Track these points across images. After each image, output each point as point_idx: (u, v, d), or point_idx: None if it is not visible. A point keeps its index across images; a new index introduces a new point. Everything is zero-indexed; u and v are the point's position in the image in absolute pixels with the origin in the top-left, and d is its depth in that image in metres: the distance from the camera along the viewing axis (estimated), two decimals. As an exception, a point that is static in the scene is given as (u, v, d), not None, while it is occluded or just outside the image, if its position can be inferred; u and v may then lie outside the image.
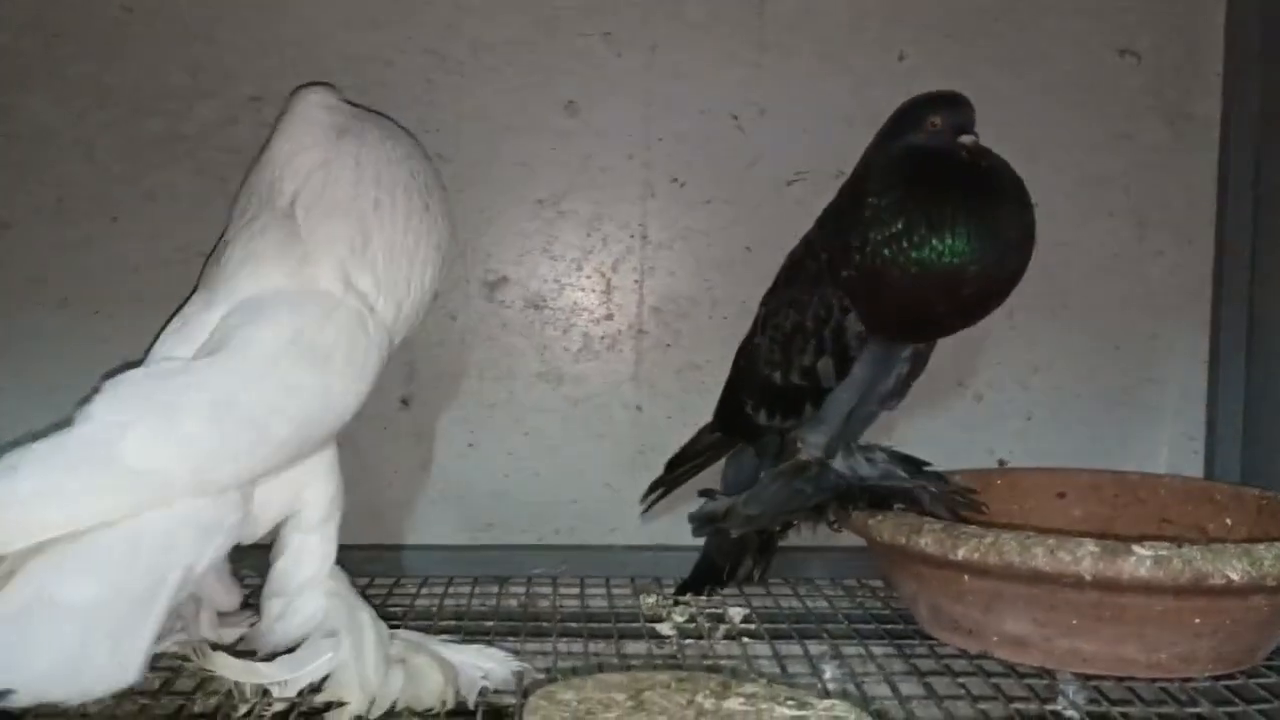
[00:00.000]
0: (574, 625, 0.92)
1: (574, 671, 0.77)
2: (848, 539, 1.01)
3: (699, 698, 0.64)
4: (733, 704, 0.64)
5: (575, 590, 1.01)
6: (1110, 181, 1.09)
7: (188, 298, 0.77)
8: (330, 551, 0.80)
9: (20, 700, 0.62)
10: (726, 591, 1.00)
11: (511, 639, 0.88)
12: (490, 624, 0.91)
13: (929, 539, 0.82)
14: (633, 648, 0.87)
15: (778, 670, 0.83)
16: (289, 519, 0.79)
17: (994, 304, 0.88)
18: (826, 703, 0.64)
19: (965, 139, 0.86)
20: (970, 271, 0.84)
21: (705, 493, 0.98)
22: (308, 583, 0.78)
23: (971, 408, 1.10)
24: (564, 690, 0.65)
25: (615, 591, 1.01)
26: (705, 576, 1.00)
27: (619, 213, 1.08)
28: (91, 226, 1.03)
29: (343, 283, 0.77)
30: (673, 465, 1.00)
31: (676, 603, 0.97)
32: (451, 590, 1.00)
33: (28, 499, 0.65)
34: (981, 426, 1.10)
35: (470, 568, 1.03)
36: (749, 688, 0.66)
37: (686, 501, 0.97)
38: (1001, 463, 1.10)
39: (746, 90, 1.07)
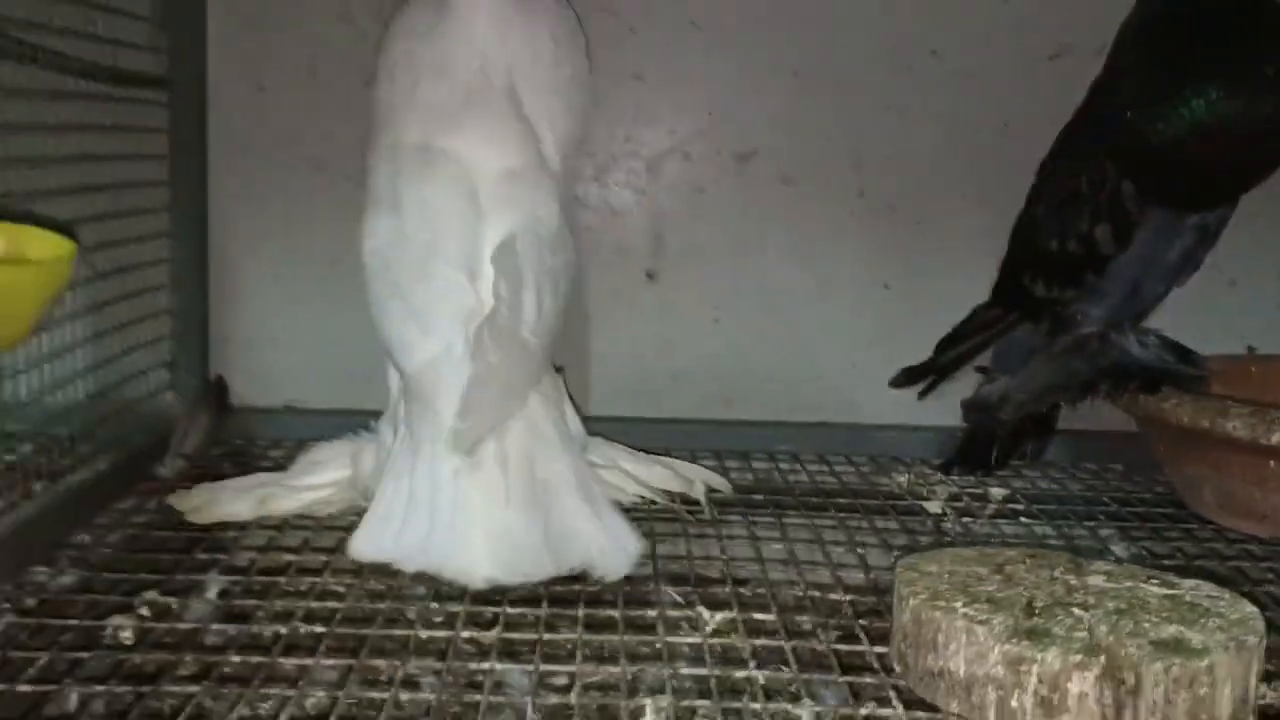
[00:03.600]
0: (842, 501, 0.92)
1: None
2: (1082, 422, 1.01)
3: (1057, 573, 0.64)
4: (1096, 580, 0.64)
5: (820, 467, 1.01)
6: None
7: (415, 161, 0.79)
8: None
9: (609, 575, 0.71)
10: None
11: (794, 513, 0.88)
12: (759, 497, 0.92)
13: (1238, 423, 0.81)
14: (915, 524, 0.87)
15: (1067, 547, 0.83)
16: None
17: (1269, 159, 0.85)
18: (1191, 582, 0.64)
19: None
20: (1224, 128, 0.82)
21: (982, 369, 0.97)
22: None
23: (1225, 293, 1.07)
24: (927, 563, 0.65)
25: (862, 469, 1.01)
26: (975, 456, 0.99)
27: (870, 84, 1.05)
28: (346, 90, 1.01)
29: (562, 152, 0.81)
30: (944, 346, 0.99)
31: (936, 481, 0.98)
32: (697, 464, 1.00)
33: (502, 373, 0.73)
34: (1233, 312, 1.08)
35: (711, 442, 1.04)
36: (1101, 565, 0.66)
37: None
38: (1251, 349, 1.07)
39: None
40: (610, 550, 0.71)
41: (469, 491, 0.70)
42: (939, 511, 0.91)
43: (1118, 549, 0.83)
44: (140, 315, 0.98)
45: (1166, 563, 0.81)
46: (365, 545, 0.70)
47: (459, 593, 0.68)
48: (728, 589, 0.72)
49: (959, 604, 0.59)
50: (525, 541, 0.69)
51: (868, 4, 1.04)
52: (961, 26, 1.04)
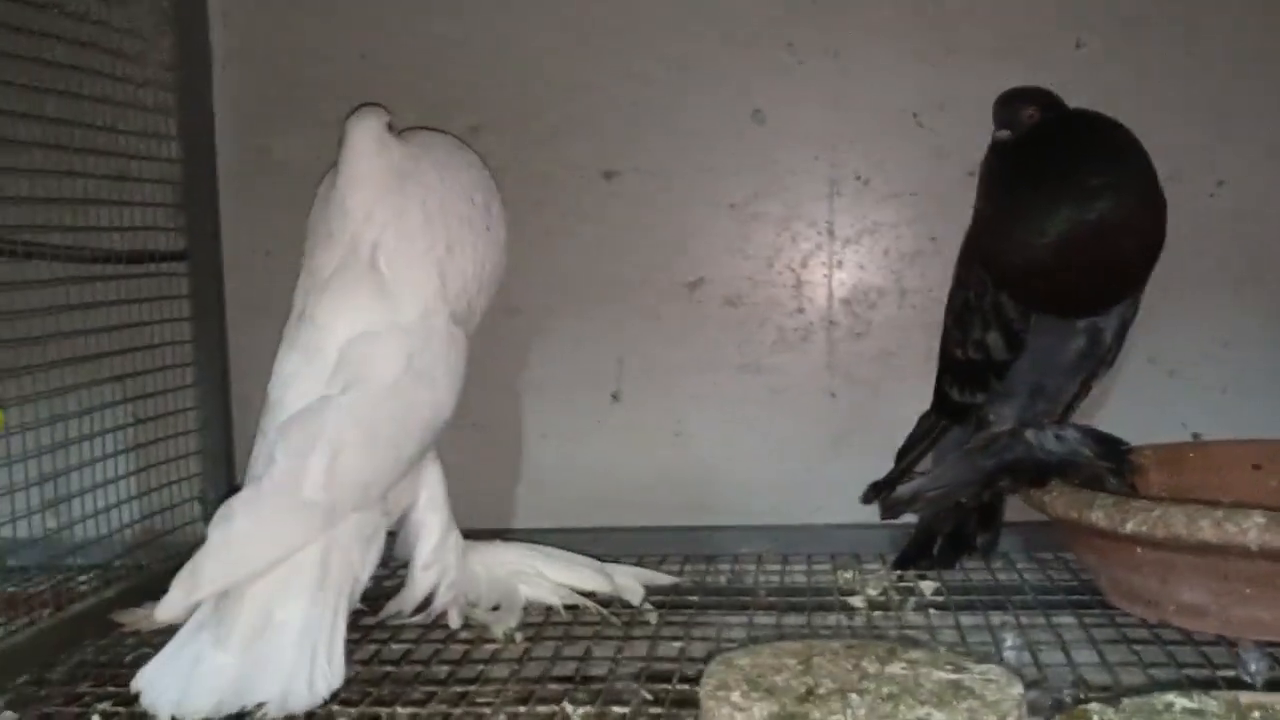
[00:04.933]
0: (772, 599, 0.99)
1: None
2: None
3: (864, 663, 0.71)
4: (895, 668, 0.70)
5: (778, 567, 1.08)
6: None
7: (292, 330, 0.90)
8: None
9: (272, 712, 0.74)
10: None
11: (714, 612, 0.96)
12: (694, 598, 0.99)
13: (1100, 513, 0.85)
14: (823, 620, 0.94)
15: (958, 639, 0.89)
16: (415, 506, 0.93)
17: (1114, 273, 0.93)
18: (983, 667, 0.69)
19: (996, 135, 0.97)
20: (1058, 241, 0.91)
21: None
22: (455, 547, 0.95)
23: (1164, 383, 1.11)
24: (742, 657, 0.72)
25: (815, 568, 1.08)
26: (918, 553, 1.05)
27: (807, 211, 1.14)
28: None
29: (425, 315, 0.89)
30: (901, 455, 1.06)
31: (872, 576, 1.04)
32: (660, 568, 1.06)
33: (244, 539, 0.80)
34: (1174, 402, 1.12)
35: (683, 547, 1.12)
36: (914, 654, 0.72)
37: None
38: (1196, 437, 1.11)
39: (925, 88, 1.12)
40: (294, 689, 0.75)
41: (199, 632, 0.78)
42: (859, 606, 0.97)
43: (1009, 637, 0.88)
44: (174, 456, 1.14)
45: (1043, 648, 0.86)
46: (138, 677, 0.77)
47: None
48: (603, 686, 0.81)
49: (736, 694, 0.67)
50: (215, 682, 0.75)
51: (801, 144, 1.14)
52: (885, 154, 1.13)
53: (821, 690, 0.67)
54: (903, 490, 1.02)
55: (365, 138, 0.92)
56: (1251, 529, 0.78)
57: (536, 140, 1.14)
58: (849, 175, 1.13)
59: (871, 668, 0.70)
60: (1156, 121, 1.08)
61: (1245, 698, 0.65)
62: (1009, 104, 0.97)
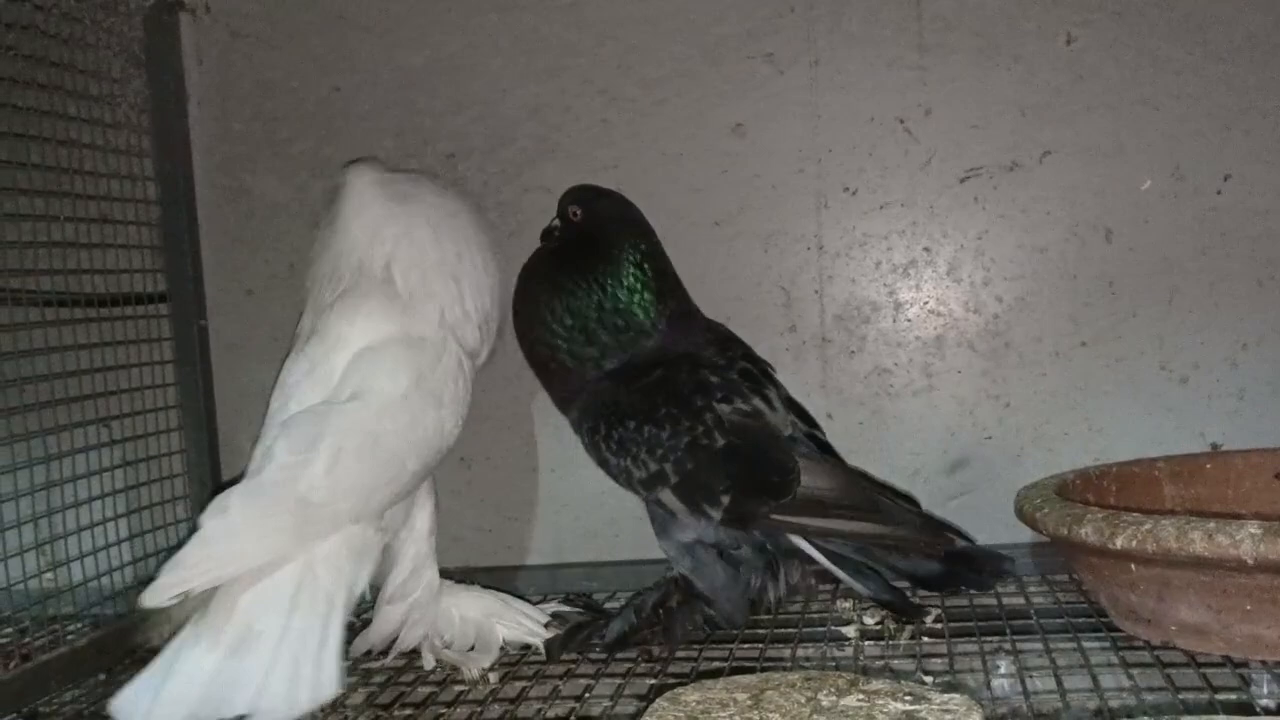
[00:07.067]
0: (759, 631, 0.95)
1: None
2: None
3: (820, 696, 0.66)
4: (850, 700, 0.65)
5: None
6: (1308, 142, 1.03)
7: (300, 345, 0.89)
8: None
9: None
10: (923, 591, 1.00)
11: (696, 646, 0.92)
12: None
13: (1089, 529, 0.80)
14: (806, 651, 0.89)
15: (946, 668, 0.84)
16: (396, 535, 0.90)
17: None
18: (943, 697, 0.65)
19: (551, 222, 1.02)
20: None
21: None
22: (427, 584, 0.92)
23: (1176, 391, 1.05)
24: (692, 692, 0.68)
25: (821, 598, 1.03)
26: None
27: (794, 226, 1.10)
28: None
29: (442, 328, 0.88)
30: None
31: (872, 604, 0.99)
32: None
33: (238, 532, 0.77)
34: (1189, 410, 1.05)
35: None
36: (874, 685, 0.68)
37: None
38: (1215, 447, 1.05)
39: (911, 93, 1.07)
40: (276, 698, 0.73)
41: (178, 650, 0.75)
42: (850, 636, 0.93)
43: (1002, 664, 0.83)
44: (161, 500, 1.12)
45: (1035, 674, 0.81)
46: (114, 700, 0.75)
47: None
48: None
49: (672, 731, 0.63)
50: (188, 693, 0.73)
51: (785, 157, 1.10)
52: (872, 164, 1.09)
53: (765, 726, 0.63)
54: None
55: (363, 174, 0.92)
56: (1245, 540, 0.73)
57: (512, 166, 1.12)
58: (836, 187, 1.09)
59: (826, 700, 0.66)
60: (1156, 117, 1.04)
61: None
62: (565, 196, 1.00)
